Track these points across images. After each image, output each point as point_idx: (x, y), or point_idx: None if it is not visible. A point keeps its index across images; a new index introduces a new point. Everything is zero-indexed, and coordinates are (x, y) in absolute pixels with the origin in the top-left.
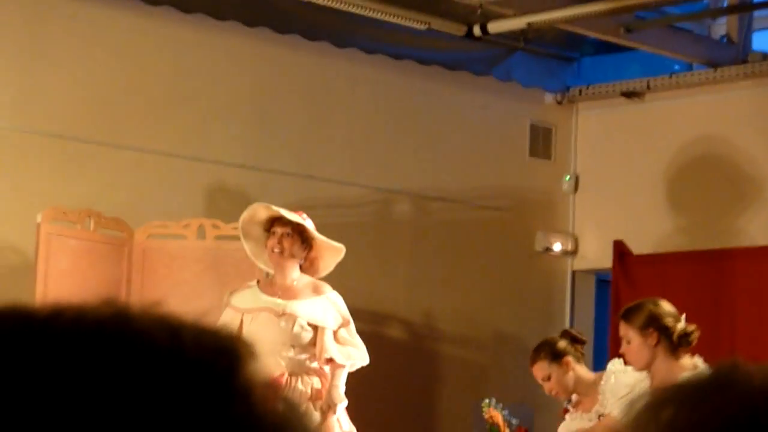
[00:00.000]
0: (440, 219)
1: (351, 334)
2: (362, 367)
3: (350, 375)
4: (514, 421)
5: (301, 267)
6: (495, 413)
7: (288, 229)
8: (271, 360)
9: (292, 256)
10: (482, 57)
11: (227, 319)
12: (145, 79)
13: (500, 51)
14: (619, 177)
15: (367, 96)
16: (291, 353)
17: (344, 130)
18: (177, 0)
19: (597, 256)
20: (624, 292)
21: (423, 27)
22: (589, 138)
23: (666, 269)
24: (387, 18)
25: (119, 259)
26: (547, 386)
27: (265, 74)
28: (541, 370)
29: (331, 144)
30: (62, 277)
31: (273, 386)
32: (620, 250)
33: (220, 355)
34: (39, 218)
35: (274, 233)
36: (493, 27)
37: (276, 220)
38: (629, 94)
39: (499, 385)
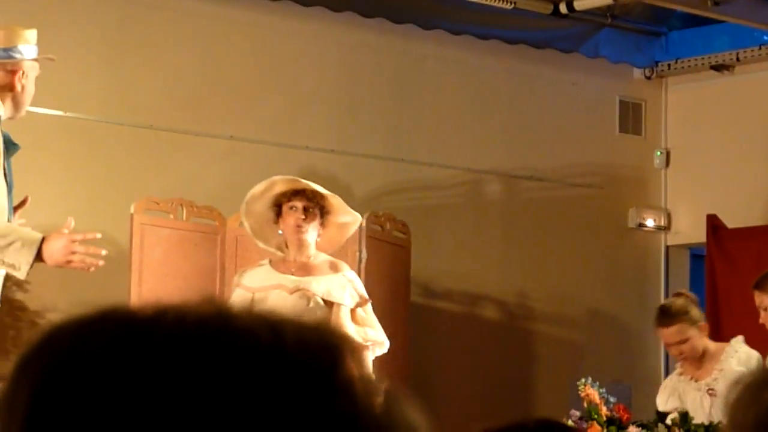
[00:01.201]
0: (531, 198)
1: (368, 313)
2: (458, 348)
3: (446, 356)
4: (611, 400)
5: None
6: (592, 392)
7: (311, 203)
8: None
9: (312, 230)
10: (569, 34)
11: (237, 300)
12: (233, 68)
13: (587, 28)
14: (711, 150)
15: (454, 77)
16: None
17: (433, 112)
18: None
19: (690, 230)
20: (719, 266)
21: (509, 6)
22: (679, 112)
23: (761, 242)
24: None
25: (212, 248)
26: (677, 349)
27: (352, 59)
28: (679, 333)
29: (420, 126)
30: (156, 266)
31: (376, 381)
32: (713, 224)
33: (321, 352)
34: (132, 209)
35: (294, 208)
36: (580, 4)
37: (294, 194)
38: (718, 67)
39: (595, 363)
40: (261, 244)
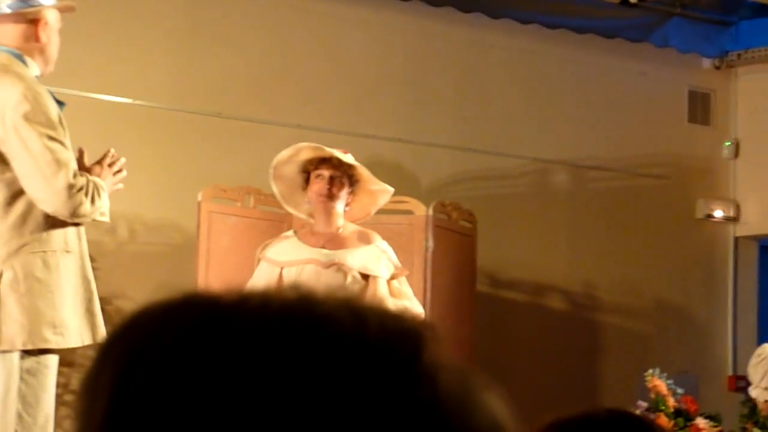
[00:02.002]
0: (599, 188)
1: (404, 285)
2: (524, 338)
3: (512, 346)
4: (679, 391)
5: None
6: (659, 383)
7: (338, 172)
8: None
9: (340, 200)
10: (638, 24)
11: (263, 273)
12: (302, 56)
13: (656, 17)
14: None
15: (522, 66)
16: None
17: (500, 101)
18: None
19: (759, 221)
20: None
21: None
22: (749, 102)
23: None
24: None
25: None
26: None
27: (419, 48)
28: None
29: (487, 115)
30: (223, 254)
31: (459, 368)
32: None
33: (403, 339)
34: (200, 197)
35: (320, 176)
36: None
37: (321, 162)
38: None
39: (662, 354)
40: (291, 210)
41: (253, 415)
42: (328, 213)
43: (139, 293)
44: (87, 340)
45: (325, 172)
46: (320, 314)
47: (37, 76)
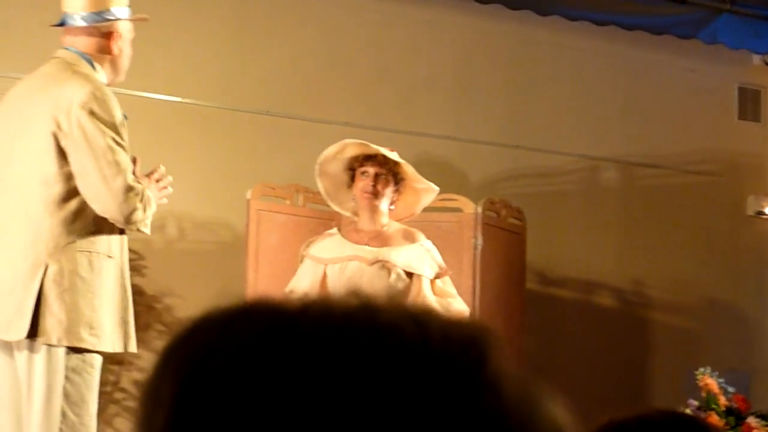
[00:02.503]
0: (649, 185)
1: (447, 284)
2: (573, 336)
3: (561, 344)
4: (730, 390)
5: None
6: (710, 381)
7: (383, 169)
8: None
9: (384, 198)
10: (687, 20)
11: (306, 270)
12: (350, 54)
13: (706, 13)
14: None
15: (571, 63)
16: None
17: (549, 98)
18: None
19: None
20: None
21: None
22: None
23: None
24: None
25: None
26: None
27: (467, 45)
28: None
29: (536, 113)
30: (272, 252)
31: (523, 376)
32: None
33: (468, 347)
34: (249, 195)
35: (365, 173)
36: None
37: (368, 159)
38: None
39: (713, 352)
40: (335, 207)
41: (317, 425)
42: (373, 210)
43: (188, 291)
44: (118, 348)
45: (371, 170)
46: (383, 323)
47: (108, 83)
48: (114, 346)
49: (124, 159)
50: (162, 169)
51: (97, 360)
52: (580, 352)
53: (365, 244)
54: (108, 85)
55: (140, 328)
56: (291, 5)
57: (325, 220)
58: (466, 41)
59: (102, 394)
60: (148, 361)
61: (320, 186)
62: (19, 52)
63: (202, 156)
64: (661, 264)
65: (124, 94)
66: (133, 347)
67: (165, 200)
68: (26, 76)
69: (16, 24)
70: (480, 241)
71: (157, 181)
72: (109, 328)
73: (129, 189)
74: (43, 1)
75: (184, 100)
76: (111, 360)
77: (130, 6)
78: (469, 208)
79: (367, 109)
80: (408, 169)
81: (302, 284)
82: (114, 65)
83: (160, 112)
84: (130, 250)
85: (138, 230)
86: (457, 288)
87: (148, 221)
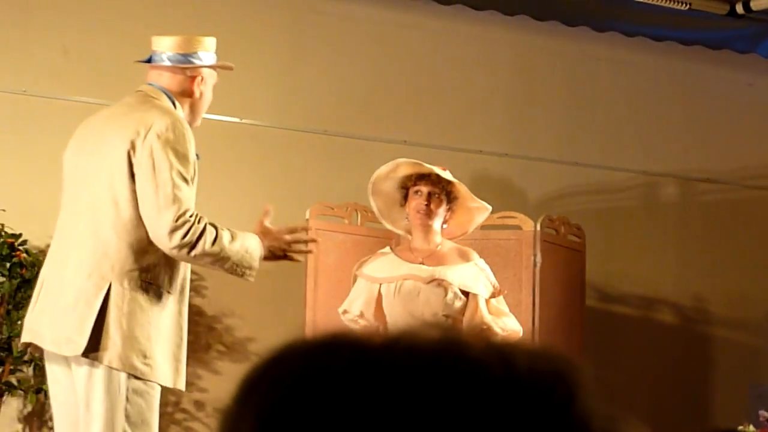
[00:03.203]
0: (708, 201)
1: (501, 303)
2: (634, 352)
3: (621, 360)
4: None
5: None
6: None
7: (436, 188)
8: None
9: (438, 217)
10: (746, 34)
11: (361, 290)
12: (406, 72)
13: (764, 28)
14: None
15: (628, 79)
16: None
17: (607, 114)
18: None
19: None
20: None
21: (684, 7)
22: None
23: None
24: (647, 0)
25: None
26: None
27: (524, 62)
28: None
29: (594, 129)
30: (331, 271)
31: (613, 414)
32: None
33: (556, 383)
34: (307, 214)
35: (418, 192)
36: (757, 4)
37: (421, 178)
38: None
39: None
40: (388, 226)
41: None
42: (426, 229)
43: (247, 312)
44: (168, 383)
45: (424, 189)
46: (469, 358)
47: None
48: (166, 379)
49: (185, 195)
50: (308, 236)
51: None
52: (640, 369)
53: (420, 263)
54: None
55: (200, 348)
56: (346, 25)
57: (383, 239)
58: (523, 58)
59: (163, 414)
60: (208, 381)
61: (373, 205)
62: (104, 80)
63: (259, 176)
64: (720, 279)
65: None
66: (182, 385)
67: (300, 260)
68: (110, 104)
69: (107, 54)
70: (539, 258)
71: (294, 242)
72: (162, 361)
73: (179, 226)
74: (133, 35)
75: (241, 121)
76: None
77: (182, 27)
78: (528, 225)
79: (423, 127)
80: (461, 188)
81: (357, 304)
82: (193, 107)
83: (219, 133)
84: (191, 271)
85: (240, 276)
86: (517, 305)
87: (240, 266)
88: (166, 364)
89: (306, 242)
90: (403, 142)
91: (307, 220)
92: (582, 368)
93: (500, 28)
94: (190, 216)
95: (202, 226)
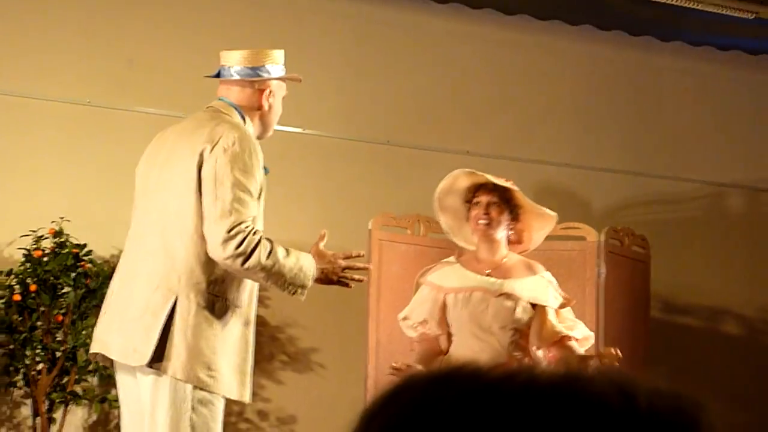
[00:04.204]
0: None
1: (569, 312)
2: (700, 365)
3: (687, 372)
4: None
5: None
6: None
7: (495, 197)
8: (491, 344)
9: (500, 227)
10: None
11: (425, 298)
12: (469, 83)
13: None
14: None
15: (693, 88)
16: (510, 336)
17: (671, 124)
18: (498, 2)
19: None
20: None
21: (750, 16)
22: None
23: None
24: (713, 9)
25: None
26: None
27: (588, 72)
28: None
29: (658, 139)
30: (394, 282)
31: None
32: None
33: (677, 419)
34: (370, 225)
35: (478, 203)
36: None
37: (480, 188)
38: None
39: None
40: (460, 243)
41: None
42: (489, 240)
43: (310, 322)
44: (234, 395)
45: (483, 198)
46: (589, 391)
47: (255, 137)
48: (231, 391)
49: (245, 208)
50: (361, 255)
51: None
52: (706, 381)
53: (487, 275)
54: (258, 138)
55: (264, 358)
56: (411, 36)
57: (446, 250)
58: (587, 68)
59: (227, 424)
60: (271, 391)
61: (442, 222)
62: (168, 92)
63: (322, 186)
64: None
65: None
66: (248, 397)
67: (350, 286)
68: (173, 115)
69: (172, 66)
70: (603, 269)
71: (347, 268)
72: (227, 373)
73: (232, 236)
74: (198, 47)
75: (305, 131)
76: None
77: (250, 40)
78: (592, 236)
79: (487, 137)
80: (520, 196)
81: (420, 311)
82: (263, 120)
83: (283, 144)
84: None
85: (292, 294)
86: (581, 317)
87: (291, 284)
88: (231, 376)
89: (360, 269)
90: (465, 152)
91: (370, 230)
92: (705, 407)
93: (564, 37)
94: (246, 227)
95: (257, 238)
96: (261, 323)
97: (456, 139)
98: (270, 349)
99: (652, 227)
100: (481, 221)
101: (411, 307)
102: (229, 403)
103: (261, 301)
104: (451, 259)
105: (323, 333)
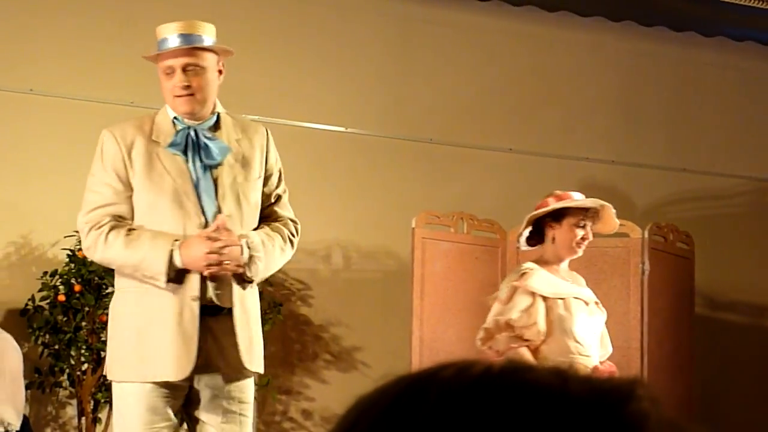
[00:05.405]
0: None
1: None
2: (745, 361)
3: (731, 368)
4: None
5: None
6: None
7: (588, 220)
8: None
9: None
10: None
11: (528, 302)
12: (510, 80)
13: None
14: None
15: (737, 84)
16: (598, 345)
17: (714, 120)
18: None
19: None
20: None
21: None
22: None
23: None
24: (755, 4)
25: (493, 261)
26: None
27: (631, 68)
28: None
29: (702, 135)
30: (437, 280)
31: (672, 419)
32: None
33: (610, 392)
34: (413, 223)
35: (584, 226)
36: None
37: (588, 212)
38: None
39: None
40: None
41: None
42: (575, 255)
43: (354, 321)
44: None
45: (589, 223)
46: (526, 375)
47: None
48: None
49: (93, 199)
50: (219, 221)
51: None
52: (750, 377)
53: (571, 282)
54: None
55: (308, 357)
56: (452, 33)
57: (489, 247)
58: (630, 64)
59: (271, 423)
60: (315, 390)
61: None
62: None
63: (365, 185)
64: None
65: (289, 125)
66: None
67: (226, 271)
68: None
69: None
70: (647, 266)
71: (210, 238)
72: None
73: (84, 228)
74: (250, 44)
75: (347, 130)
76: (280, 390)
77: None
78: (636, 233)
79: (530, 134)
80: (607, 214)
81: (527, 315)
82: (165, 98)
83: (325, 143)
84: (297, 280)
85: (150, 282)
86: (625, 314)
87: (158, 277)
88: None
89: (231, 258)
90: (509, 150)
91: (413, 228)
92: (644, 385)
93: (607, 34)
94: (89, 221)
95: (101, 231)
96: (304, 323)
97: (499, 137)
98: (314, 348)
99: (695, 223)
100: (584, 243)
101: (516, 310)
102: (272, 402)
103: (304, 299)
104: (535, 265)
105: (367, 331)
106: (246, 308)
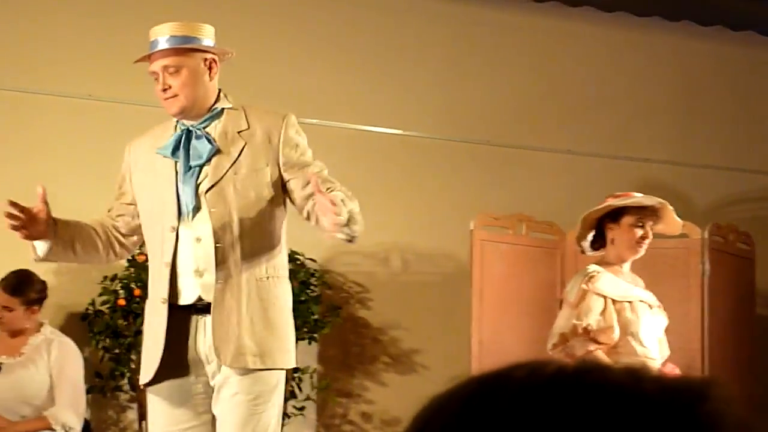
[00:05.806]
0: None
1: None
2: None
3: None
4: None
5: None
6: None
7: (646, 219)
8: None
9: None
10: None
11: (600, 307)
12: (568, 81)
13: None
14: None
15: None
16: (657, 348)
17: None
18: (596, 0)
19: None
20: None
21: None
22: None
23: None
24: None
25: (552, 263)
26: None
27: (689, 68)
28: None
29: (762, 134)
30: (496, 282)
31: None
32: None
33: (683, 391)
34: (472, 225)
35: (643, 225)
36: None
37: (643, 209)
38: None
39: None
40: (589, 251)
41: None
42: (635, 257)
43: (413, 323)
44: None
45: (649, 222)
46: (601, 375)
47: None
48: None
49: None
50: (39, 191)
51: None
52: None
53: (633, 285)
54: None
55: (367, 360)
56: (507, 35)
57: (549, 249)
58: (689, 64)
59: (331, 426)
60: (375, 393)
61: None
62: (245, 94)
63: (423, 187)
64: None
65: (347, 128)
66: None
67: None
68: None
69: (249, 69)
70: (707, 266)
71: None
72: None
73: None
74: (272, 51)
75: (405, 132)
76: (339, 393)
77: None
78: (696, 233)
79: (588, 135)
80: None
81: (602, 319)
82: None
83: (382, 145)
84: (356, 283)
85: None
86: (685, 315)
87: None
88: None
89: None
90: (566, 151)
91: (472, 230)
92: (721, 385)
93: (664, 34)
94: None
95: None
96: (363, 325)
97: (556, 138)
98: (373, 351)
99: (756, 224)
100: (644, 243)
101: (592, 314)
102: (332, 405)
103: (363, 302)
104: (599, 268)
105: (426, 334)
106: (228, 306)
